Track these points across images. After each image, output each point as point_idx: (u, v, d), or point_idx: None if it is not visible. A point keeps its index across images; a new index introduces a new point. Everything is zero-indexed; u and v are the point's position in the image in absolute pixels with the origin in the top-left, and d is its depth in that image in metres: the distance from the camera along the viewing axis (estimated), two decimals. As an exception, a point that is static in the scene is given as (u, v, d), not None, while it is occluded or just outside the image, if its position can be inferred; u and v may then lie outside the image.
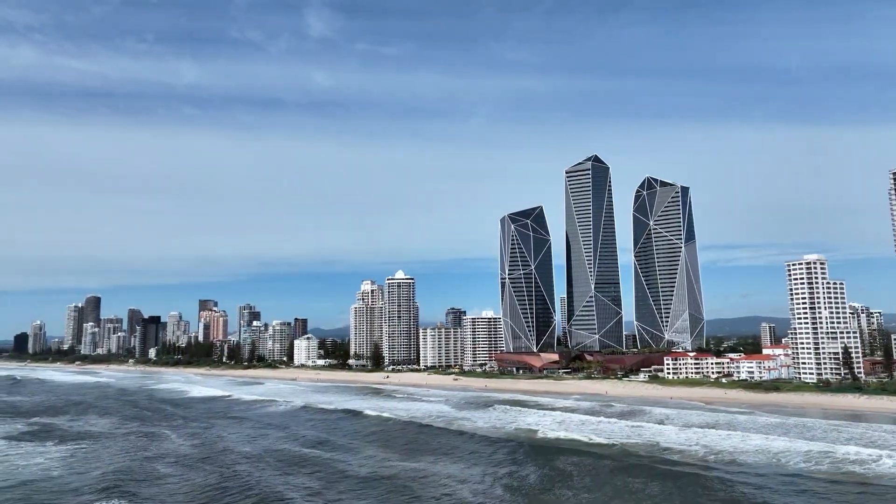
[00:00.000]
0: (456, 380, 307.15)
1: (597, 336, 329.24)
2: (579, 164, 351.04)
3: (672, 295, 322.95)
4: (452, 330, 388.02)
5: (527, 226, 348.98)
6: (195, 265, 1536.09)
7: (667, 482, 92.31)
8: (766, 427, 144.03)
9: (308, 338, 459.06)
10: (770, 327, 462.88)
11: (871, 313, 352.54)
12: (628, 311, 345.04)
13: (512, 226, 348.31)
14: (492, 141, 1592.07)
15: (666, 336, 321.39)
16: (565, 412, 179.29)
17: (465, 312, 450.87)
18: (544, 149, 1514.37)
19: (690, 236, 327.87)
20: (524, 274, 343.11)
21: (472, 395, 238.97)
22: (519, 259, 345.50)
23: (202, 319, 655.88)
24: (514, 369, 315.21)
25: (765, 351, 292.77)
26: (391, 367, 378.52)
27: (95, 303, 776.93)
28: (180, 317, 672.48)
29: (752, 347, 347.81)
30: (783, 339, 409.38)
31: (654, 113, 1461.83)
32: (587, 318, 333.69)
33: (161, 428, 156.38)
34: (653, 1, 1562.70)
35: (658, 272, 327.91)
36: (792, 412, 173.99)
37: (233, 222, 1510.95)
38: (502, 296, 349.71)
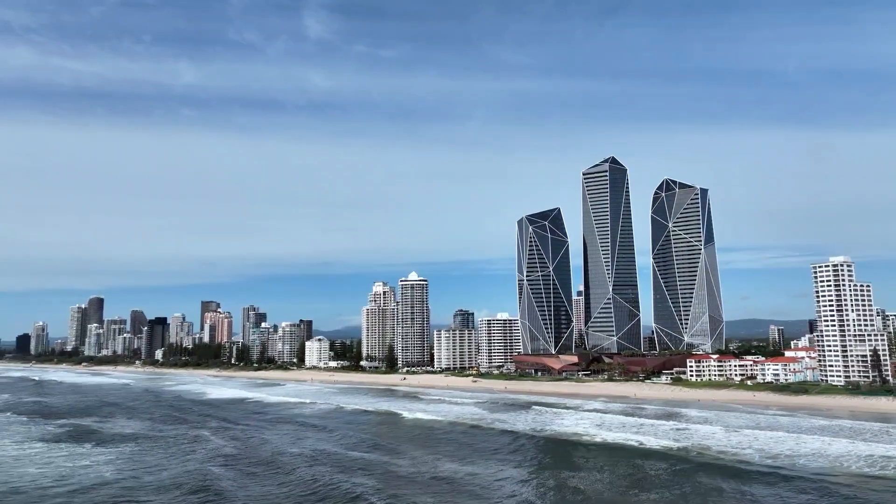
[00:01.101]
0: (475, 382, 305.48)
1: (614, 338, 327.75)
2: (596, 165, 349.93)
3: (691, 297, 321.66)
4: (467, 332, 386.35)
5: (544, 227, 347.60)
6: (194, 266, 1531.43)
7: (751, 485, 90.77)
8: (813, 429, 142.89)
9: (319, 339, 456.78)
10: (779, 330, 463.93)
11: (888, 316, 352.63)
12: (645, 313, 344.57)
13: (530, 227, 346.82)
14: (490, 143, 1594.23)
15: (685, 338, 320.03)
16: (600, 414, 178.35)
17: (472, 314, 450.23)
18: (545, 151, 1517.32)
19: (709, 238, 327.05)
20: (542, 275, 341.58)
21: (497, 397, 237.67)
22: (537, 260, 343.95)
23: (207, 321, 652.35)
24: (533, 371, 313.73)
25: (787, 353, 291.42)
26: (405, 368, 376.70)
27: (98, 304, 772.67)
28: (183, 318, 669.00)
29: (763, 349, 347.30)
30: (792, 342, 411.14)
31: (652, 115, 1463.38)
32: (605, 320, 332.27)
33: (198, 430, 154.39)
34: (650, 4, 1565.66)
35: (677, 274, 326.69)
36: (831, 414, 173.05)
37: (231, 224, 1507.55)
38: (520, 297, 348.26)
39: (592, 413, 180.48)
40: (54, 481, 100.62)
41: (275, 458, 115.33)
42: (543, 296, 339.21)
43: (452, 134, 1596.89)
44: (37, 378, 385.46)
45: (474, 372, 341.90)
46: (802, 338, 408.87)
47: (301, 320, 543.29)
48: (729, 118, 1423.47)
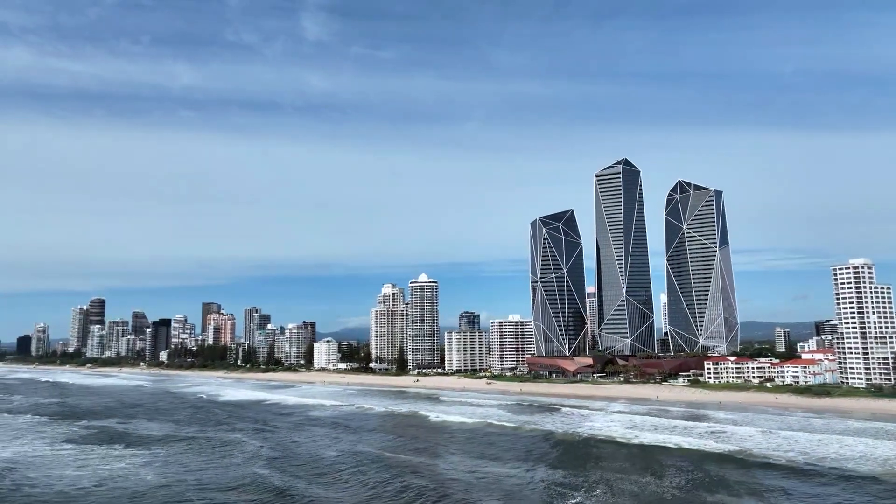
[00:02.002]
0: (489, 383, 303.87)
1: (628, 340, 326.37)
2: (609, 167, 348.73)
3: (706, 299, 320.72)
4: (477, 334, 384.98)
5: (558, 229, 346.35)
6: (192, 268, 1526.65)
7: (821, 486, 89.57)
8: (849, 432, 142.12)
9: (328, 341, 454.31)
10: (785, 332, 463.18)
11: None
12: (658, 314, 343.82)
13: (544, 229, 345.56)
14: (488, 145, 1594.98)
15: (700, 341, 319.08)
16: (628, 415, 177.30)
17: (478, 316, 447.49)
18: (543, 153, 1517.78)
19: (724, 240, 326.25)
20: (556, 277, 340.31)
21: (517, 399, 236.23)
22: (551, 262, 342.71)
23: (211, 323, 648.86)
24: (547, 373, 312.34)
25: (804, 356, 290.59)
26: (416, 370, 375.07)
27: (100, 305, 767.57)
28: (185, 319, 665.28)
29: (768, 352, 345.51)
30: (798, 344, 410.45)
31: (649, 118, 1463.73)
32: (618, 322, 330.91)
33: (228, 432, 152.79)
34: (648, 7, 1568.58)
35: (692, 276, 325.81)
36: (861, 417, 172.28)
37: (228, 225, 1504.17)
38: (533, 299, 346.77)
39: (620, 415, 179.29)
40: (97, 483, 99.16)
41: (317, 460, 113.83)
42: (557, 298, 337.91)
43: (451, 136, 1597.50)
44: (47, 380, 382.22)
45: (488, 374, 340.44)
46: (809, 340, 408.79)
47: (304, 322, 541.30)
48: (725, 121, 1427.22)
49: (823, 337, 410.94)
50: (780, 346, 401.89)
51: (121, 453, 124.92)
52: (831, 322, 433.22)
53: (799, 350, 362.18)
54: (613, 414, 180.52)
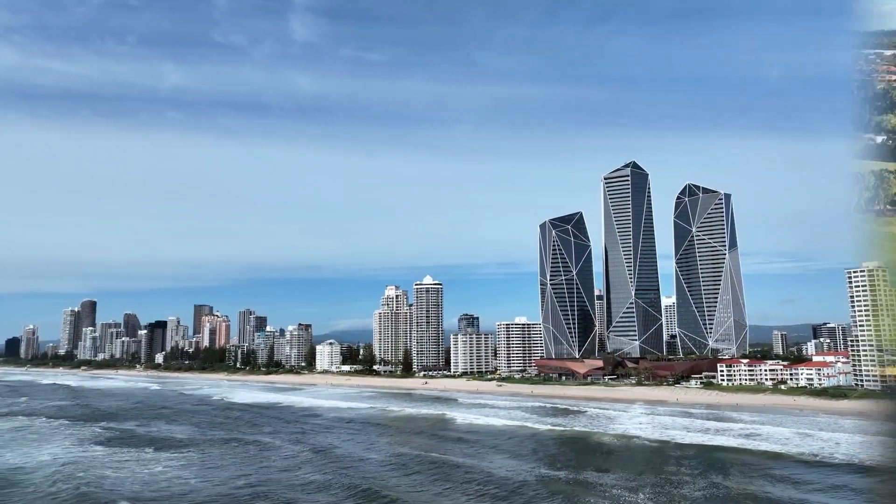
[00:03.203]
0: (500, 385, 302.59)
1: (637, 342, 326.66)
2: (617, 170, 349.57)
3: (716, 302, 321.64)
4: (483, 336, 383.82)
5: (567, 231, 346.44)
6: (180, 270, 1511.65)
7: None
8: (888, 433, 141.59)
9: (331, 343, 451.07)
10: (782, 335, 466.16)
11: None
12: (665, 317, 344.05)
13: (553, 231, 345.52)
14: (478, 148, 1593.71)
15: (710, 343, 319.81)
16: (655, 416, 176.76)
17: (478, 318, 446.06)
18: (534, 156, 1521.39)
19: (733, 243, 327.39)
20: (566, 279, 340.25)
21: (533, 401, 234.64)
22: (560, 265, 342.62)
23: (206, 325, 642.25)
24: (557, 375, 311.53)
25: (816, 358, 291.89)
26: (422, 372, 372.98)
27: (91, 307, 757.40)
28: (178, 321, 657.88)
29: (767, 354, 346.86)
30: (795, 347, 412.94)
31: (643, 122, 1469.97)
32: (627, 324, 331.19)
33: (256, 435, 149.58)
34: (639, 13, 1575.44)
35: (701, 279, 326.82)
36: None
37: (217, 227, 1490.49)
38: (542, 301, 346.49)
39: (646, 416, 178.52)
40: (142, 486, 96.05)
41: (362, 462, 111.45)
42: (567, 300, 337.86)
43: (441, 138, 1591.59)
44: (50, 382, 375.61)
45: (497, 376, 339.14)
46: (808, 343, 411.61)
47: (300, 324, 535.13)
48: (715, 125, 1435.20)
49: (822, 339, 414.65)
50: (778, 349, 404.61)
51: (153, 456, 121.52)
52: (828, 325, 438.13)
53: (802, 353, 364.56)
54: (641, 416, 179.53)
